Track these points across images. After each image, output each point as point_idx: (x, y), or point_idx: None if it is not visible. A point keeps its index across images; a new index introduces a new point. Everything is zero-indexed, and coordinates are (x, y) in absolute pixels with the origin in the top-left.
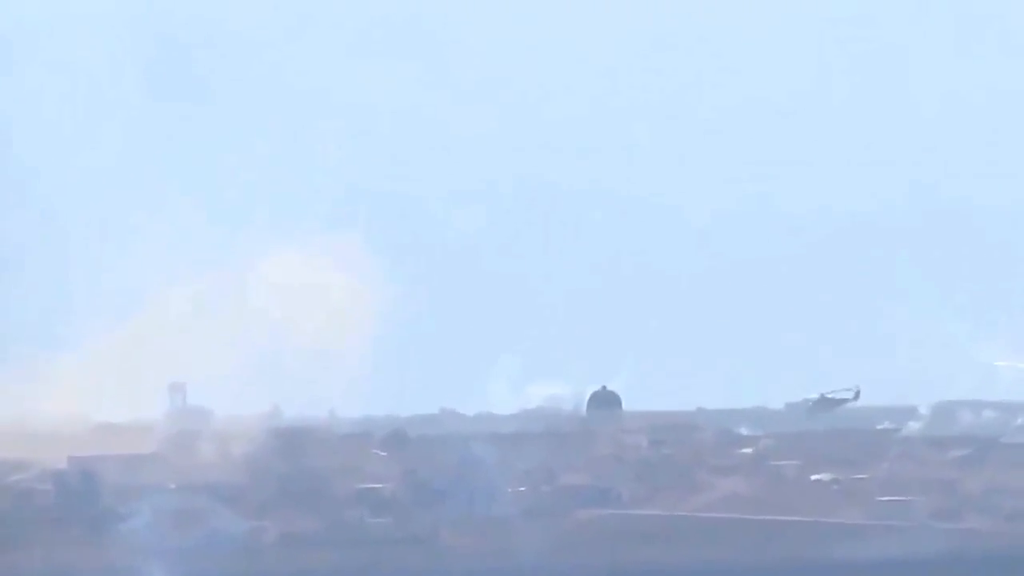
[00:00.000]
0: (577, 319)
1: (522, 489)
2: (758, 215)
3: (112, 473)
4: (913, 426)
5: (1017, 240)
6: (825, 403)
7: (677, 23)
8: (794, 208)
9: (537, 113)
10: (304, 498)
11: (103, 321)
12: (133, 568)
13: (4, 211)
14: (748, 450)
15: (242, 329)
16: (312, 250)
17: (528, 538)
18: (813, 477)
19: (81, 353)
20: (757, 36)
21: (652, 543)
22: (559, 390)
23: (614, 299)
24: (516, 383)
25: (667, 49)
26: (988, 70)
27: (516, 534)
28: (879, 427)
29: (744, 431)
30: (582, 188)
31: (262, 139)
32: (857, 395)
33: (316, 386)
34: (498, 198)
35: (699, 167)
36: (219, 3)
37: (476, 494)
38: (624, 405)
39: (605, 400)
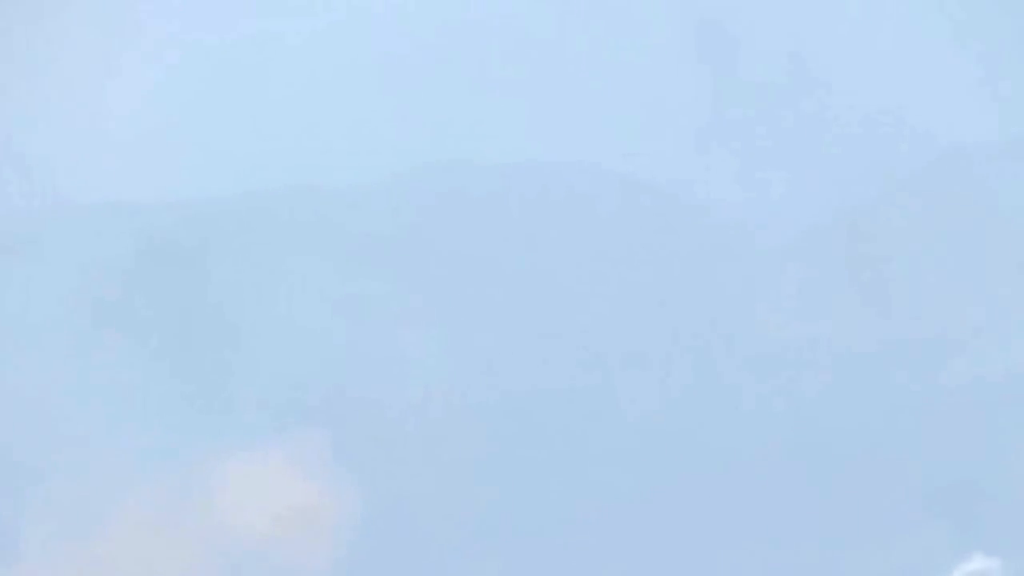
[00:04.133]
0: (490, 528)
1: None
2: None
3: None
4: None
5: None
6: None
7: None
8: None
9: None
10: None
11: (39, 543)
12: None
13: None
14: None
15: (170, 542)
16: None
17: None
18: None
19: (10, 562)
20: None
21: None
22: None
23: (526, 507)
24: None
25: None
26: None
27: None
28: None
29: None
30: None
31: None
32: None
33: None
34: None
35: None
36: None
37: None
38: None
39: None
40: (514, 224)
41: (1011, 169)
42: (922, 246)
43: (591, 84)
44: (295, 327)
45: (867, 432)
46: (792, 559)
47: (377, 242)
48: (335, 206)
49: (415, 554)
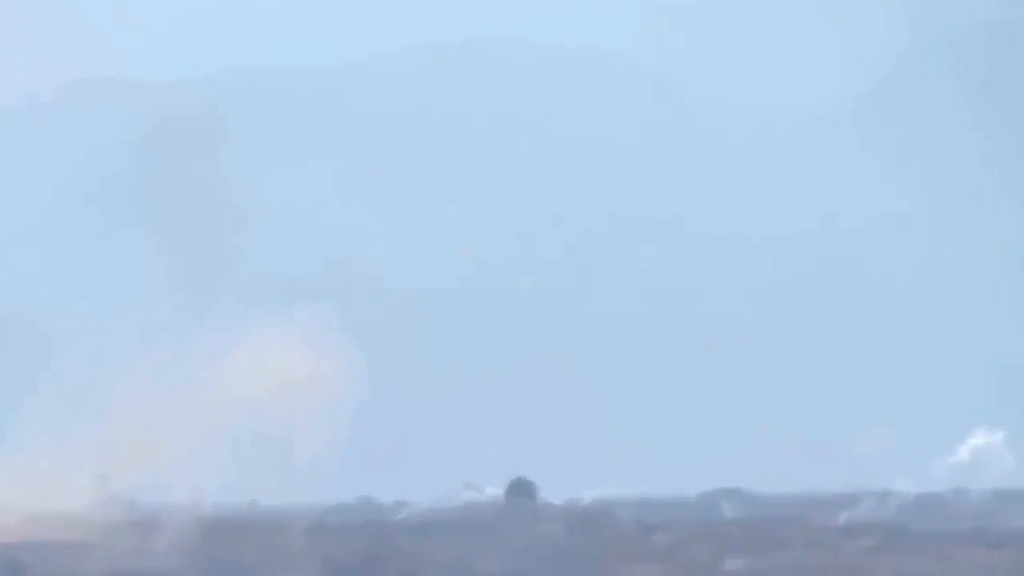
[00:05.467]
0: (499, 408)
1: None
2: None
3: (39, 560)
4: (831, 514)
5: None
6: None
7: None
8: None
9: None
10: None
11: (39, 411)
12: None
13: None
14: (662, 538)
15: (168, 413)
16: (251, 331)
17: None
18: (727, 565)
19: (14, 444)
20: None
21: None
22: (479, 479)
23: (532, 388)
24: (437, 472)
25: None
26: None
27: None
28: (789, 515)
29: (658, 519)
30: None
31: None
32: None
33: (239, 476)
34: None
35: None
36: None
37: None
38: (540, 494)
39: (521, 489)
40: (516, 104)
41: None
42: None
43: None
44: (300, 203)
45: (868, 309)
46: (798, 436)
47: (383, 120)
48: (342, 83)
49: (413, 421)
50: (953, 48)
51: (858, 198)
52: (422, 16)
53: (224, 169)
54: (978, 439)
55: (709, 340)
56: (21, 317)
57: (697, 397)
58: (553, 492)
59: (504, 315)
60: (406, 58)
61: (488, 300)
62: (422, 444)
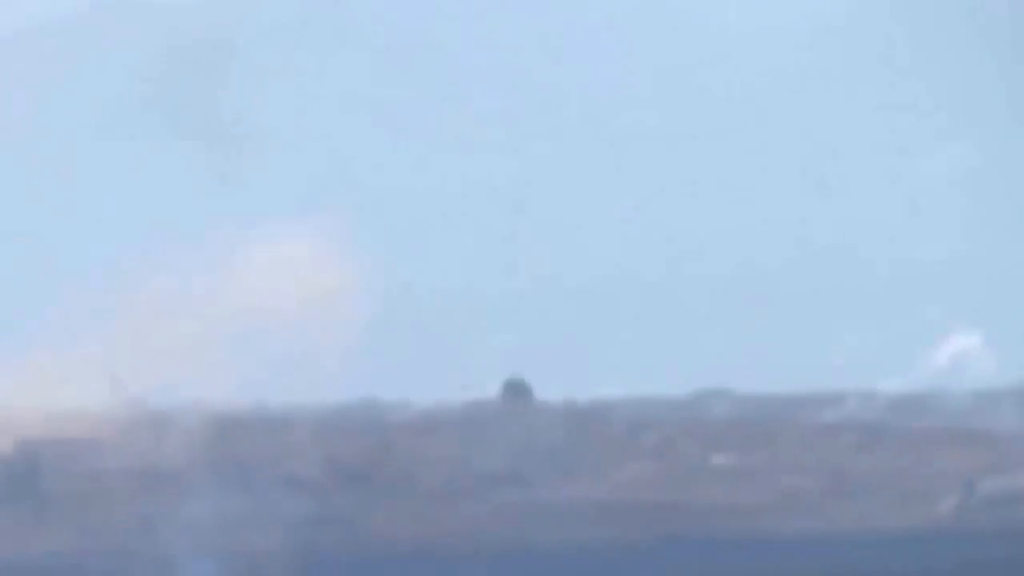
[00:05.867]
0: (498, 310)
1: (439, 473)
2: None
3: (55, 457)
4: (816, 413)
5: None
6: None
7: None
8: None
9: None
10: (232, 482)
11: (56, 310)
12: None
13: None
14: (652, 436)
15: (181, 316)
16: (266, 236)
17: (445, 520)
18: (713, 460)
19: (31, 341)
20: None
21: (563, 524)
22: (476, 380)
23: (530, 291)
24: (437, 373)
25: None
26: None
27: (431, 517)
28: (775, 414)
29: (649, 418)
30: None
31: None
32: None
33: (247, 376)
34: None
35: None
36: None
37: (395, 479)
38: (536, 394)
39: (517, 389)
40: (527, 30)
41: None
42: None
43: None
44: (315, 121)
45: (853, 214)
46: (785, 337)
47: (397, 42)
48: (357, 6)
49: (415, 324)
50: None
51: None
52: None
53: (239, 85)
54: (958, 340)
55: (700, 242)
56: (43, 219)
57: (686, 298)
58: (550, 392)
59: (502, 224)
60: None
61: (486, 208)
62: (423, 346)
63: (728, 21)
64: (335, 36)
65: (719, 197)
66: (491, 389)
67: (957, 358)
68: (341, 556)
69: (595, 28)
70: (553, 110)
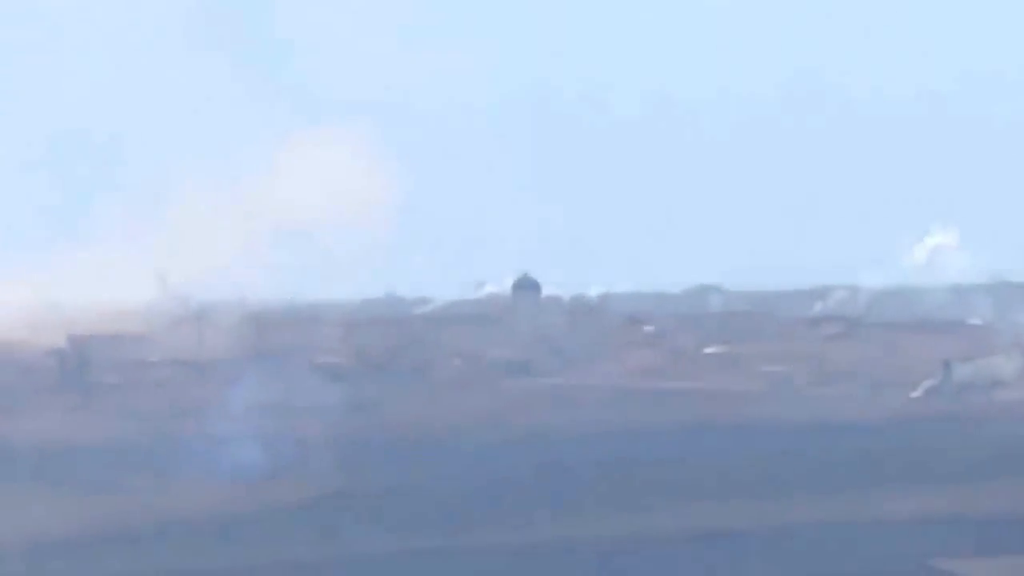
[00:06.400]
0: (512, 211)
1: (456, 363)
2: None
3: (105, 350)
4: (802, 307)
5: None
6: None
7: None
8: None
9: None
10: (267, 372)
11: (104, 211)
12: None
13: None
14: (650, 328)
15: (222, 217)
16: (307, 139)
17: (459, 405)
18: (706, 351)
19: (81, 240)
20: None
21: (568, 408)
22: (487, 276)
23: (539, 190)
24: (454, 270)
25: None
26: None
27: (449, 402)
28: (763, 308)
29: (647, 312)
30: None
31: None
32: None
33: (281, 274)
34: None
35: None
36: None
37: (415, 367)
38: (543, 290)
39: (526, 285)
40: None
41: None
42: None
43: None
44: (344, 31)
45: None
46: (777, 235)
47: None
48: None
49: (435, 225)
50: None
51: None
52: None
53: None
54: (935, 238)
55: (699, 145)
56: (97, 125)
57: (683, 196)
58: (559, 288)
59: (520, 132)
60: None
61: (509, 119)
62: (442, 245)
63: None
64: None
65: (714, 103)
66: (503, 285)
67: (935, 254)
68: (367, 439)
69: None
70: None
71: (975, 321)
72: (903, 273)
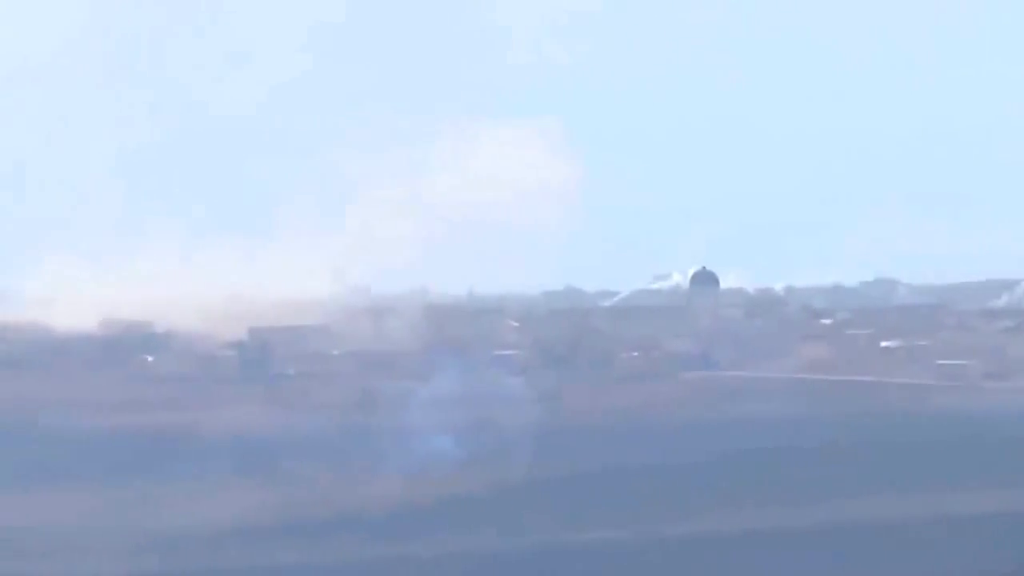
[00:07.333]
0: (692, 205)
1: (635, 355)
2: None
3: (286, 342)
4: (981, 301)
5: None
6: None
7: None
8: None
9: None
10: (448, 362)
11: (287, 205)
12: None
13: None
14: (827, 321)
15: (402, 210)
16: (489, 134)
17: (639, 397)
18: (882, 344)
19: (263, 235)
20: None
21: (746, 400)
22: (669, 269)
23: (720, 182)
24: (635, 263)
25: None
26: None
27: (628, 393)
28: (940, 301)
29: (824, 305)
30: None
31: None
32: None
33: (460, 267)
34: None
35: None
36: None
37: (594, 359)
38: (721, 283)
39: (705, 279)
40: None
41: None
42: None
43: None
44: (526, 30)
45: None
46: (955, 229)
47: None
48: None
49: (617, 218)
50: None
51: None
52: None
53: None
54: None
55: (884, 136)
56: (280, 119)
57: (865, 187)
58: (739, 280)
59: (702, 123)
60: None
61: (692, 111)
62: (623, 237)
63: None
64: None
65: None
66: (685, 278)
67: None
68: (549, 430)
69: None
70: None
71: None
72: None
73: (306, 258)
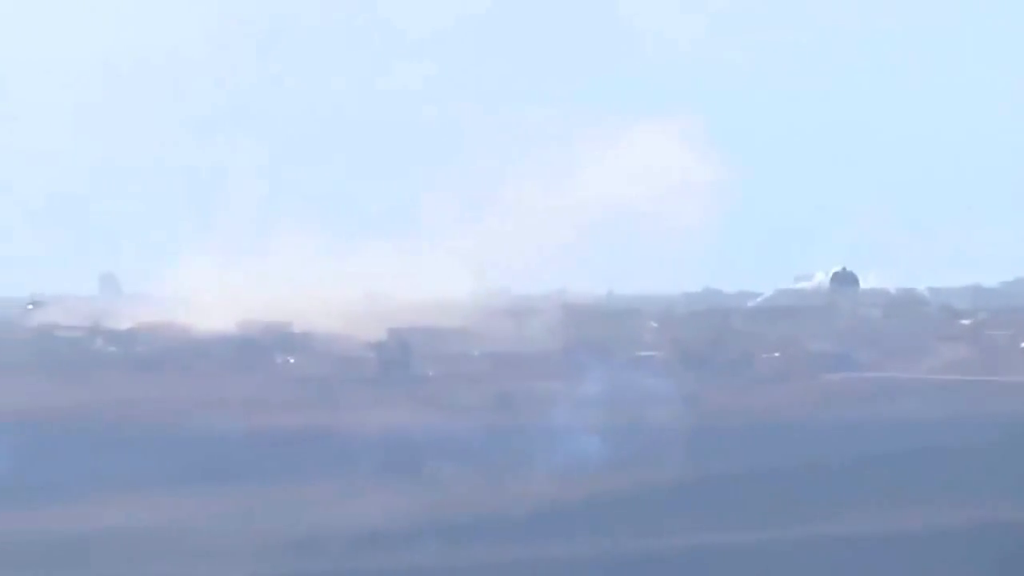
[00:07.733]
0: (832, 205)
1: (775, 355)
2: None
3: (425, 343)
4: None
5: None
6: None
7: None
8: None
9: None
10: (588, 363)
11: (426, 207)
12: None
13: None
14: (967, 322)
15: (540, 211)
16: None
17: (779, 398)
18: (1023, 345)
19: (402, 236)
20: None
21: (887, 401)
22: (810, 270)
23: (864, 186)
24: (771, 264)
25: None
26: None
27: (769, 394)
28: None
29: (963, 306)
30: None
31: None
32: None
33: (599, 268)
34: None
35: None
36: None
37: (734, 360)
38: (862, 283)
39: (845, 279)
40: None
41: None
42: None
43: None
44: (670, 27)
45: None
46: None
47: None
48: None
49: (756, 219)
50: None
51: None
52: None
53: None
54: None
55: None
56: (422, 117)
57: (1001, 188)
58: (881, 280)
59: (843, 123)
60: None
61: (830, 110)
62: (763, 240)
63: None
64: None
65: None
66: (826, 278)
67: None
68: (692, 431)
69: None
70: None
71: None
72: None
73: (446, 259)
